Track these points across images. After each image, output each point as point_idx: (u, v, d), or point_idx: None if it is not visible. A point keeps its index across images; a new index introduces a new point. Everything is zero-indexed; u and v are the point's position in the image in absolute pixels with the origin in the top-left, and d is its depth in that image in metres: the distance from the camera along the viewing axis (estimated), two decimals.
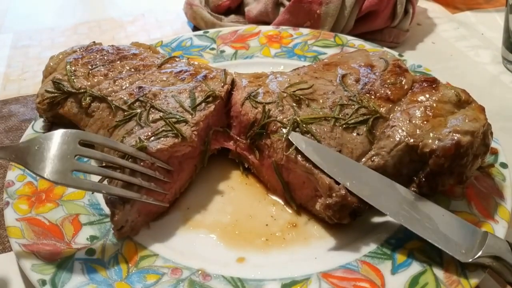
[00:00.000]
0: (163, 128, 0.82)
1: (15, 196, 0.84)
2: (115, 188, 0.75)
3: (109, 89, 0.92)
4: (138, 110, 0.86)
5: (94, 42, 1.06)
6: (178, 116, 0.85)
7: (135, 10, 1.63)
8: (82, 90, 0.92)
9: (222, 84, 0.93)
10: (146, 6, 1.65)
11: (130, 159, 0.78)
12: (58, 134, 0.75)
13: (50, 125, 0.98)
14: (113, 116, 0.88)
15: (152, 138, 0.81)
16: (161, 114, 0.85)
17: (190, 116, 0.86)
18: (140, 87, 0.91)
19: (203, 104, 0.88)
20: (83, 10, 1.65)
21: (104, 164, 0.78)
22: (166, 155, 0.81)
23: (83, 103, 0.91)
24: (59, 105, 0.94)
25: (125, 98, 0.89)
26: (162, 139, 0.81)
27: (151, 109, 0.86)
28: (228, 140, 0.92)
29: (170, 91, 0.90)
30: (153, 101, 0.88)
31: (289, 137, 0.81)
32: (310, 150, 0.79)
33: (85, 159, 0.88)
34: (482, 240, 0.70)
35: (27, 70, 1.32)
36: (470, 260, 0.69)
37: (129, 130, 0.84)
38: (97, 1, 1.71)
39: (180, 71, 0.96)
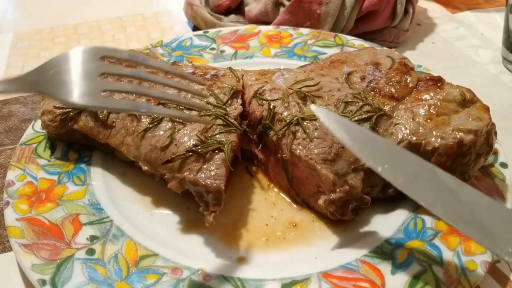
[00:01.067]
0: (212, 123, 0.83)
1: (15, 196, 0.84)
2: (156, 107, 0.70)
3: (124, 99, 0.89)
4: None
5: None
6: (217, 111, 0.86)
7: (135, 10, 1.63)
8: None
9: (237, 79, 0.94)
10: (146, 6, 1.65)
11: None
12: (75, 53, 0.64)
13: None
14: (138, 122, 0.86)
15: (209, 132, 0.82)
16: (195, 112, 0.85)
17: (224, 111, 0.87)
18: None
19: (229, 100, 0.90)
20: (83, 10, 1.65)
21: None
22: (236, 150, 0.85)
23: (101, 116, 0.88)
24: (72, 120, 0.91)
25: (143, 105, 0.87)
26: (225, 133, 0.83)
27: (180, 108, 0.86)
28: (244, 138, 0.93)
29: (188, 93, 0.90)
30: (179, 101, 0.87)
31: (313, 110, 0.75)
32: (337, 127, 0.72)
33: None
34: None
35: (27, 70, 1.31)
36: None
37: (168, 128, 0.83)
38: (98, 1, 1.71)
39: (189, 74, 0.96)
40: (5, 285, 0.78)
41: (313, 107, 0.75)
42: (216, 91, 0.91)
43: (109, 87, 0.64)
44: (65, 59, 0.64)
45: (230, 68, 0.98)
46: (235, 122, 0.85)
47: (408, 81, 0.89)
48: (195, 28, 1.47)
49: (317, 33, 1.26)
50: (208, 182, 0.77)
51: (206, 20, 1.40)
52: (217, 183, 0.77)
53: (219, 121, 0.85)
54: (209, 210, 0.77)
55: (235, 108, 0.88)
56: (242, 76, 0.97)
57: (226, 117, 0.85)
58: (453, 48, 1.36)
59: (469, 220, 0.64)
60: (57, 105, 0.92)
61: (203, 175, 0.78)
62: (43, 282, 0.70)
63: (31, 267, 0.72)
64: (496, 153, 0.88)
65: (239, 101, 0.91)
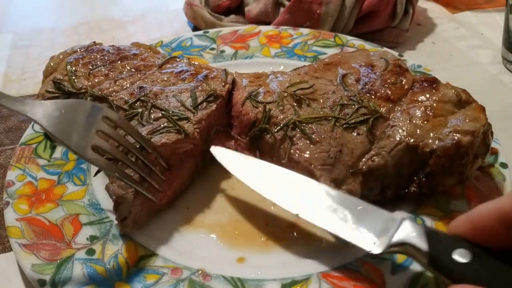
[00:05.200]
0: (165, 125, 0.83)
1: (15, 196, 0.84)
2: (127, 174, 0.75)
3: (110, 89, 0.92)
4: (140, 110, 0.86)
5: (94, 42, 1.06)
6: (180, 114, 0.85)
7: (135, 10, 1.63)
8: (83, 90, 0.92)
9: (223, 84, 0.93)
10: (146, 6, 1.65)
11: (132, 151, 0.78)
12: (83, 104, 0.73)
13: None
14: None
15: (155, 133, 0.81)
16: (163, 112, 0.85)
17: (192, 115, 0.86)
18: (141, 87, 0.91)
19: (204, 103, 0.88)
20: (83, 10, 1.65)
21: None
22: (169, 150, 0.81)
23: None
24: None
25: (126, 98, 0.89)
26: (165, 134, 0.81)
27: (153, 108, 0.86)
28: (229, 140, 0.93)
29: (171, 91, 0.90)
30: (154, 100, 0.88)
31: (210, 150, 0.85)
32: (232, 165, 0.82)
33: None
34: (396, 228, 0.66)
35: (27, 70, 1.32)
36: (381, 250, 0.65)
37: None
38: (97, 1, 1.71)
39: (181, 71, 0.96)
40: (5, 285, 0.78)
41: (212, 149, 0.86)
42: (197, 94, 0.90)
43: (97, 144, 0.71)
44: (75, 105, 0.72)
45: (225, 70, 0.98)
46: (183, 126, 0.83)
47: (403, 82, 0.89)
48: (195, 28, 1.47)
49: (317, 33, 1.26)
50: (114, 192, 0.75)
51: (206, 20, 1.40)
52: (120, 193, 0.75)
53: (170, 124, 0.83)
54: (118, 221, 0.76)
55: (203, 113, 0.86)
56: (233, 79, 0.96)
57: (182, 121, 0.83)
58: (453, 48, 1.36)
59: (339, 223, 0.70)
60: (48, 90, 0.94)
61: (115, 184, 0.76)
62: (43, 282, 0.70)
63: (31, 267, 0.72)
64: (496, 153, 0.88)
65: (214, 105, 0.89)
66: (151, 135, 0.81)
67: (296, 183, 0.77)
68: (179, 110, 0.86)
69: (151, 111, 0.86)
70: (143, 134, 0.80)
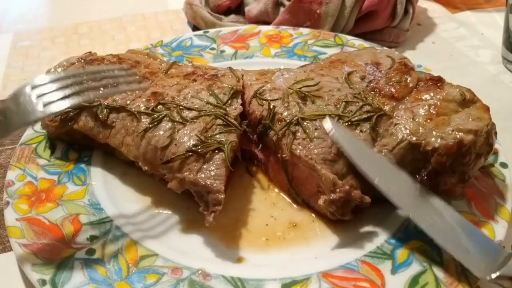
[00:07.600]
0: (212, 123, 0.84)
1: (15, 196, 0.84)
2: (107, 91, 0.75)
3: (124, 99, 0.90)
4: (165, 112, 0.86)
5: (90, 52, 1.05)
6: (218, 111, 0.86)
7: (135, 10, 1.63)
8: (96, 103, 0.90)
9: (237, 79, 0.95)
10: (146, 6, 1.65)
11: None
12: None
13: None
14: (138, 122, 0.86)
15: (209, 132, 0.83)
16: (194, 112, 0.86)
17: (224, 110, 0.87)
18: (154, 93, 0.90)
19: (229, 100, 0.90)
20: (83, 10, 1.65)
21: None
22: (236, 150, 0.85)
23: (100, 116, 0.88)
24: (72, 120, 0.91)
25: (143, 105, 0.88)
26: (225, 133, 0.83)
27: (182, 109, 0.86)
28: (244, 140, 0.92)
29: (187, 93, 0.91)
30: (179, 101, 0.88)
31: (328, 123, 0.80)
32: (345, 142, 0.79)
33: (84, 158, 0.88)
34: (504, 261, 0.68)
35: (27, 70, 1.32)
36: (488, 278, 0.67)
37: (168, 128, 0.83)
38: (98, 1, 1.71)
39: (188, 74, 0.97)
40: (5, 285, 0.78)
41: (326, 124, 0.80)
42: (216, 91, 0.91)
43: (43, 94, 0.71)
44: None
45: (230, 68, 0.98)
46: (235, 122, 0.85)
47: (408, 81, 0.89)
48: (195, 28, 1.47)
49: (317, 33, 1.26)
50: (208, 182, 0.77)
51: (206, 20, 1.40)
52: (217, 183, 0.77)
53: (219, 121, 0.85)
54: (209, 210, 0.77)
55: (235, 108, 0.88)
56: (242, 76, 0.97)
57: (226, 117, 0.85)
58: (453, 48, 1.36)
59: (450, 237, 0.71)
60: None
61: (203, 175, 0.78)
62: (43, 282, 0.70)
63: (31, 267, 0.72)
64: (496, 153, 0.88)
65: (239, 101, 0.91)
66: (211, 137, 0.82)
67: (404, 183, 0.77)
68: (207, 108, 0.87)
69: (181, 111, 0.86)
70: (198, 132, 0.82)
